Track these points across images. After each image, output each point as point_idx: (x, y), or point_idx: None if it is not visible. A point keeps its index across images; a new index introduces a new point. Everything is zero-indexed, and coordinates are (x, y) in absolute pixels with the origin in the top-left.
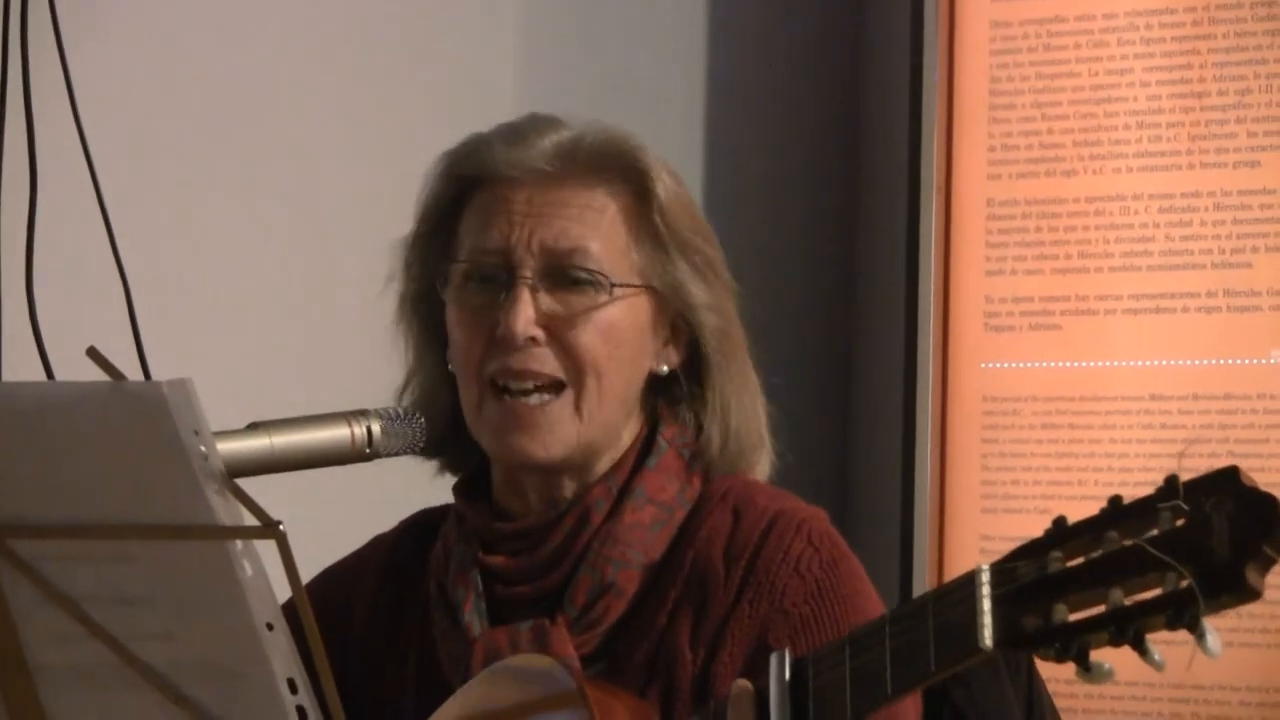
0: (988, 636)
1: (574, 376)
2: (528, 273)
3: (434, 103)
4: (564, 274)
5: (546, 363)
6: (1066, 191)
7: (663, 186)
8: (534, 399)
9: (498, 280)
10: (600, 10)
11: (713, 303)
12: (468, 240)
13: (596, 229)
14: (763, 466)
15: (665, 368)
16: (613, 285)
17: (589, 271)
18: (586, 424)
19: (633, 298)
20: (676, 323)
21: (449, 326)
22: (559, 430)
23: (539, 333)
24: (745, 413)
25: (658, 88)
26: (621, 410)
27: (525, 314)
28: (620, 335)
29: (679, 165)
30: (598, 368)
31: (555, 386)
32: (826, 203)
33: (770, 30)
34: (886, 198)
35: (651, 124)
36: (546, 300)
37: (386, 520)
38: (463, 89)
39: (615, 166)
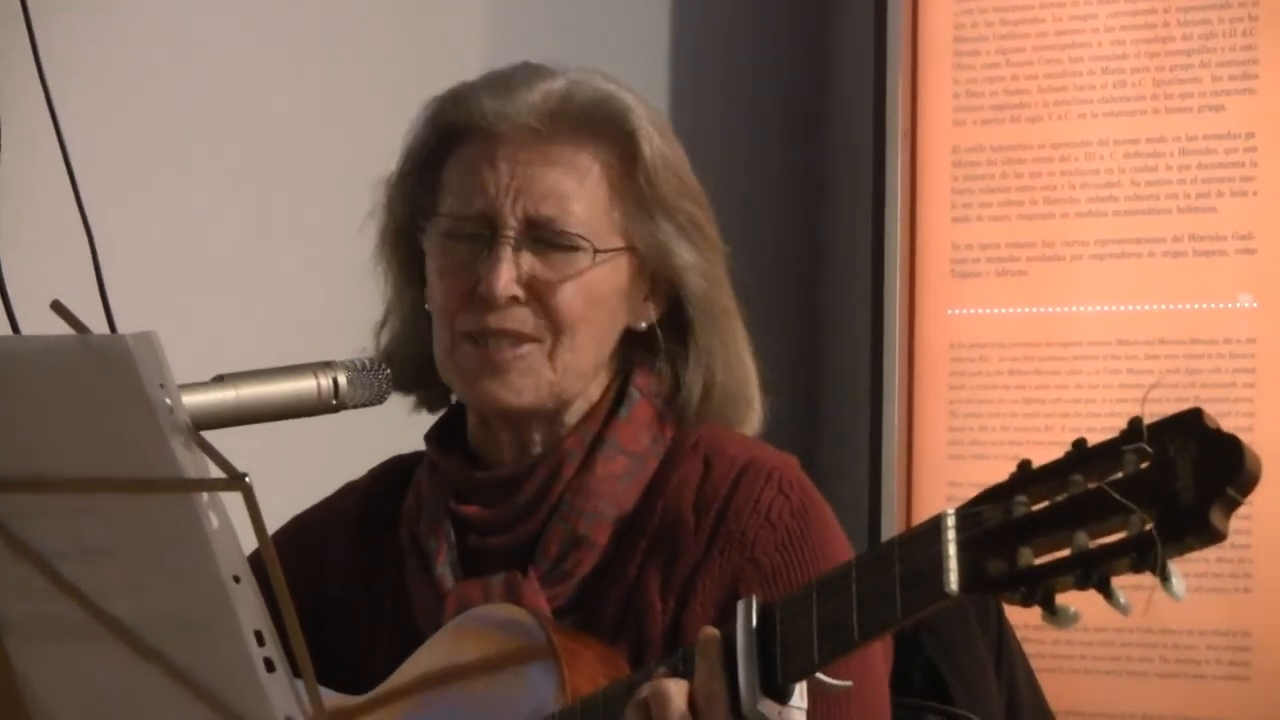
0: (954, 581)
1: (550, 334)
2: (510, 233)
3: (400, 57)
4: (549, 234)
5: (525, 322)
6: (1032, 138)
7: (649, 147)
8: (506, 344)
9: (480, 238)
10: None
11: (697, 263)
12: (450, 194)
13: (580, 191)
14: (751, 424)
15: (644, 324)
16: (597, 250)
17: (572, 235)
18: (559, 374)
19: (614, 259)
20: (658, 279)
21: (428, 273)
22: (531, 377)
23: (519, 292)
24: (730, 371)
25: (622, 49)
26: (593, 364)
27: (507, 274)
28: (599, 296)
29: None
30: (574, 326)
31: (532, 341)
32: (792, 151)
33: None
34: (852, 146)
35: (614, 68)
36: (528, 260)
37: (353, 472)
38: (428, 38)
39: (603, 126)
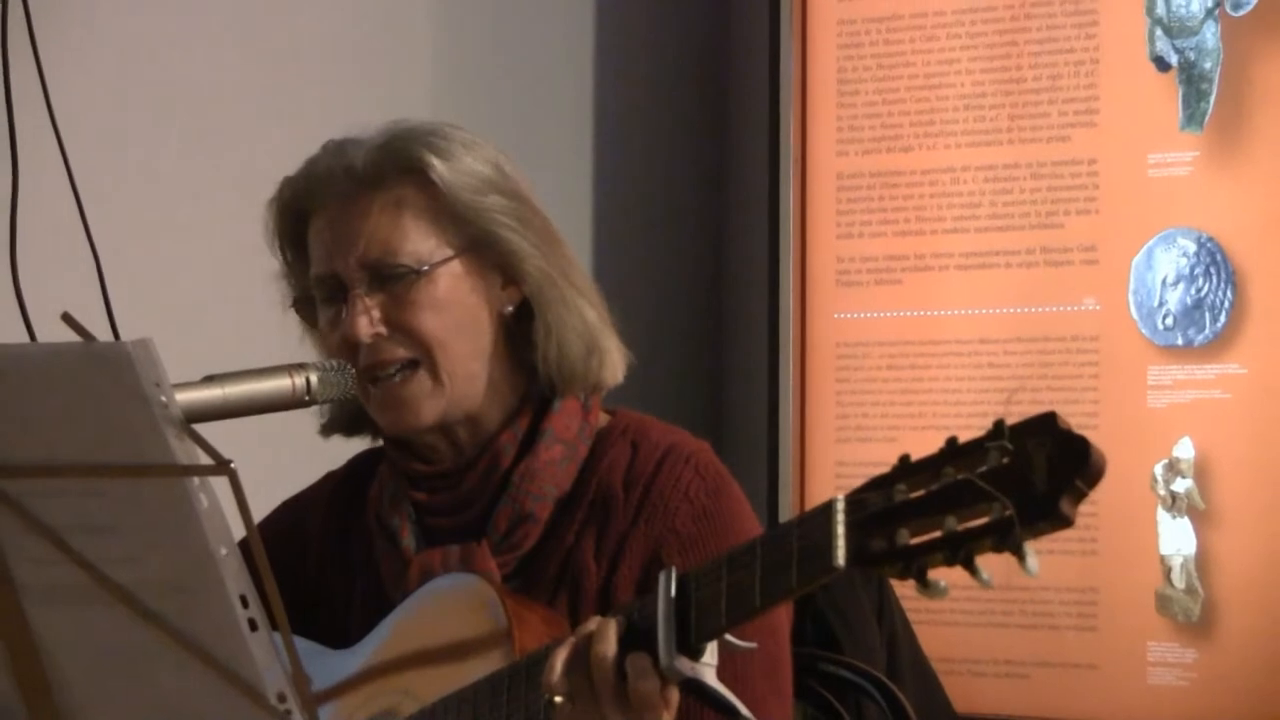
0: (841, 557)
1: (423, 354)
2: (356, 285)
3: (358, 93)
4: (384, 271)
5: (396, 350)
6: (905, 165)
7: (437, 172)
8: (398, 378)
9: (337, 296)
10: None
11: (525, 248)
12: (310, 266)
13: (396, 226)
14: (612, 367)
15: (510, 307)
16: (422, 269)
17: (401, 265)
18: (450, 385)
19: (448, 266)
20: (504, 267)
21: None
22: (425, 400)
23: (381, 329)
24: (571, 332)
25: (552, 103)
26: (479, 360)
27: (362, 321)
28: (449, 303)
29: (573, 153)
30: (440, 339)
31: (412, 364)
32: (699, 180)
33: (651, 34)
34: (751, 173)
35: (548, 121)
36: (377, 299)
37: (325, 462)
38: (381, 75)
39: (393, 168)
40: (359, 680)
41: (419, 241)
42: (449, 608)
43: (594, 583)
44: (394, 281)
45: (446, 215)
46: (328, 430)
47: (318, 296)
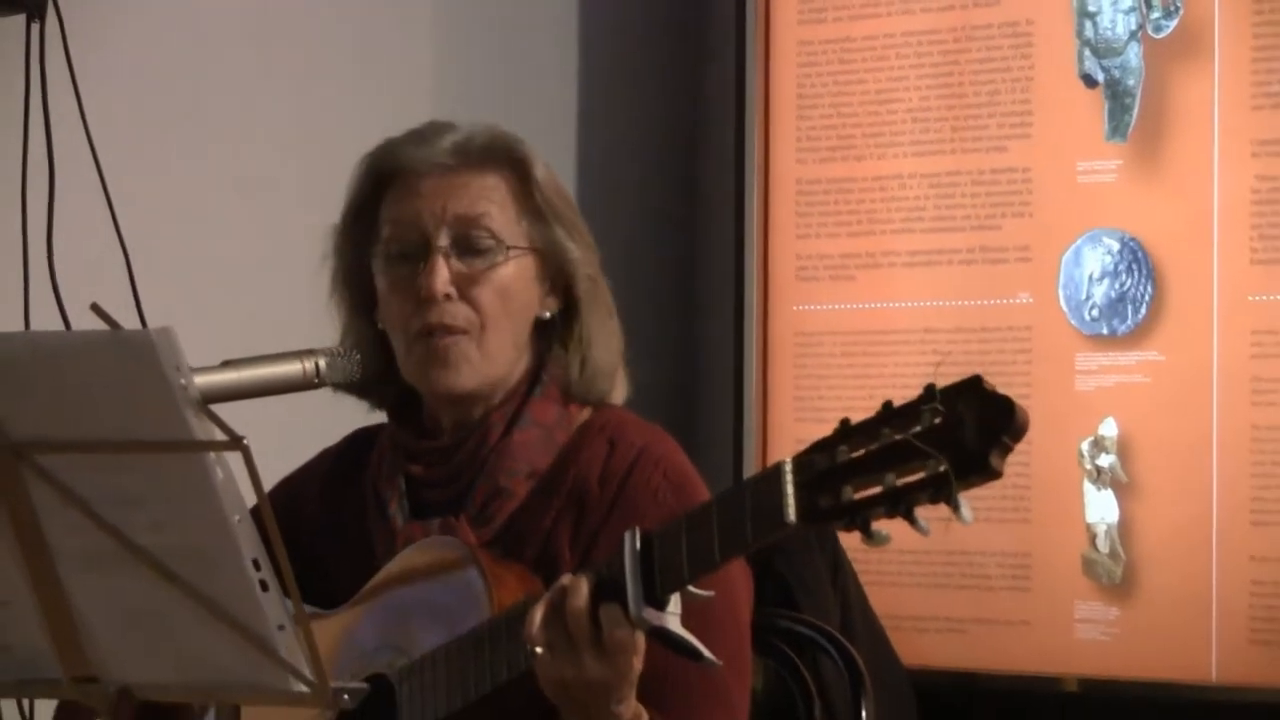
0: (791, 513)
1: (477, 328)
2: (442, 241)
3: (367, 98)
4: (469, 241)
5: (458, 316)
6: (858, 172)
7: (539, 171)
8: (448, 339)
9: (417, 254)
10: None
11: (582, 258)
12: (389, 223)
13: (490, 205)
14: (619, 391)
15: (547, 313)
16: (508, 248)
17: (490, 235)
18: (490, 361)
19: (522, 258)
20: (555, 278)
21: (380, 294)
22: (468, 366)
23: (452, 290)
24: (602, 347)
25: (540, 114)
26: (515, 349)
27: (442, 275)
28: (512, 291)
29: (558, 159)
30: (496, 320)
31: (464, 333)
32: (673, 185)
33: (631, 55)
34: (719, 179)
35: (534, 128)
36: (456, 264)
37: (328, 440)
38: (386, 83)
39: (500, 156)
40: (345, 619)
41: (508, 224)
42: (424, 552)
43: (568, 569)
44: (474, 255)
45: (532, 213)
46: (363, 391)
47: (387, 251)
